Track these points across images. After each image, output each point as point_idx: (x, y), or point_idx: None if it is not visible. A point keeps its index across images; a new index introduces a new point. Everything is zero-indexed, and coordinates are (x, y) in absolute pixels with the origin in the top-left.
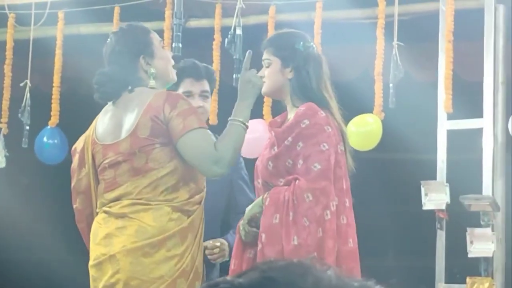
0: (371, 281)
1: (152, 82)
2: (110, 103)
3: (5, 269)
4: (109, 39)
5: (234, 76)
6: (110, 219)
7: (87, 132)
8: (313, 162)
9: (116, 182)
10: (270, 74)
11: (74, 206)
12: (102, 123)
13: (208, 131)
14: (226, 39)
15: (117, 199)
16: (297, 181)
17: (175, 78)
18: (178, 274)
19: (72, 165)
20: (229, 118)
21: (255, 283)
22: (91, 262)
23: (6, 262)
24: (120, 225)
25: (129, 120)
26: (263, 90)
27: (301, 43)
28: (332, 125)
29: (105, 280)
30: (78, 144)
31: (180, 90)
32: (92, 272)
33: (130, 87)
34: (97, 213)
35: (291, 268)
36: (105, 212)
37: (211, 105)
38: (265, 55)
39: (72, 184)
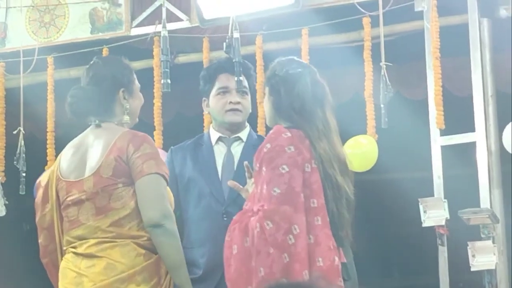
0: None
1: (126, 118)
2: (75, 139)
3: None
4: (94, 61)
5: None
6: (78, 258)
7: (52, 167)
8: (273, 186)
9: (79, 221)
10: (264, 103)
11: (39, 241)
12: (65, 159)
13: (163, 179)
14: (224, 43)
15: (82, 237)
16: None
17: (137, 121)
18: None
19: (36, 200)
20: None
21: None
22: None
23: None
24: (89, 264)
25: (94, 158)
26: (266, 119)
27: (284, 69)
28: (298, 145)
29: None
30: (43, 179)
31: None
32: None
33: (97, 121)
34: (64, 251)
35: (296, 283)
36: (73, 252)
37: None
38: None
39: (36, 219)
